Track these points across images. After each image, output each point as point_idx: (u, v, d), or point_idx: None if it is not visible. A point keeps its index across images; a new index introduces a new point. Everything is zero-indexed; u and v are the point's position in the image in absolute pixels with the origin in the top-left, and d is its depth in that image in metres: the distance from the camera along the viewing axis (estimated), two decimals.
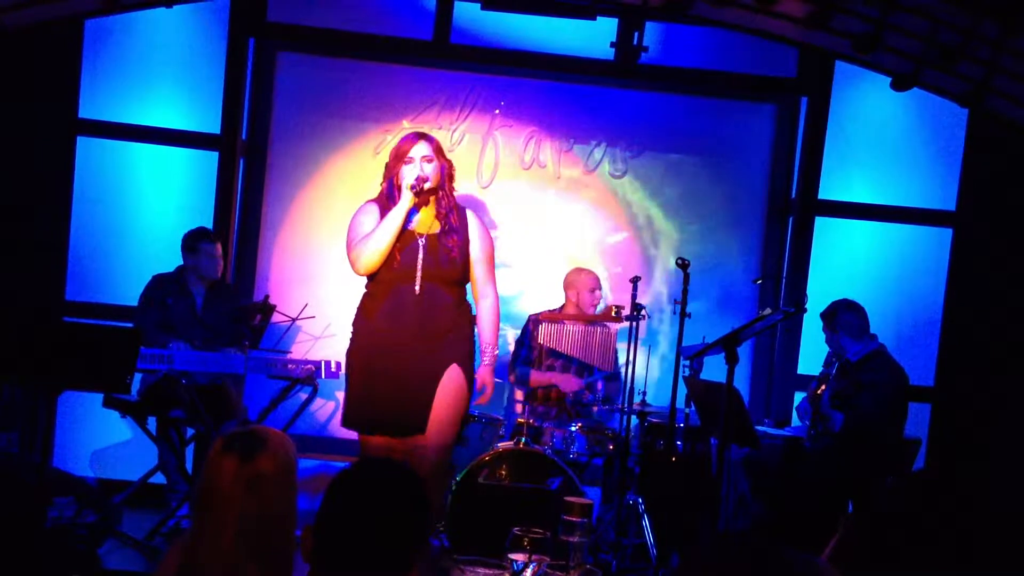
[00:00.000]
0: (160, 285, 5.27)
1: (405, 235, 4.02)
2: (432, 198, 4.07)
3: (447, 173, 4.10)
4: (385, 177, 4.13)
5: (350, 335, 4.16)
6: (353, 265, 4.06)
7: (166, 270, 5.35)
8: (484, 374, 4.16)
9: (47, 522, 4.14)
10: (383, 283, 4.04)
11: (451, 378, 4.02)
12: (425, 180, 3.97)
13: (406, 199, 3.96)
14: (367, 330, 4.06)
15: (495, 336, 4.19)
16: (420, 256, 3.97)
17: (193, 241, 5.29)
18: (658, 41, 5.87)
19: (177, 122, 5.80)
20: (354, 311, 4.03)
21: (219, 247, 5.34)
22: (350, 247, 4.06)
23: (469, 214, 4.15)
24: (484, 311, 4.17)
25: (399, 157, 4.06)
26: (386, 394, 3.98)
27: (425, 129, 5.91)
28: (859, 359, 5.06)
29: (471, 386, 4.10)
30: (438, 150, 4.09)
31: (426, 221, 4.07)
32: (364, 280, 4.20)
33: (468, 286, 4.22)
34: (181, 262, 5.32)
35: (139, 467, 5.41)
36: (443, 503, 4.08)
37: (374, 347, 4.03)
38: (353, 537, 1.99)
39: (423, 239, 4.00)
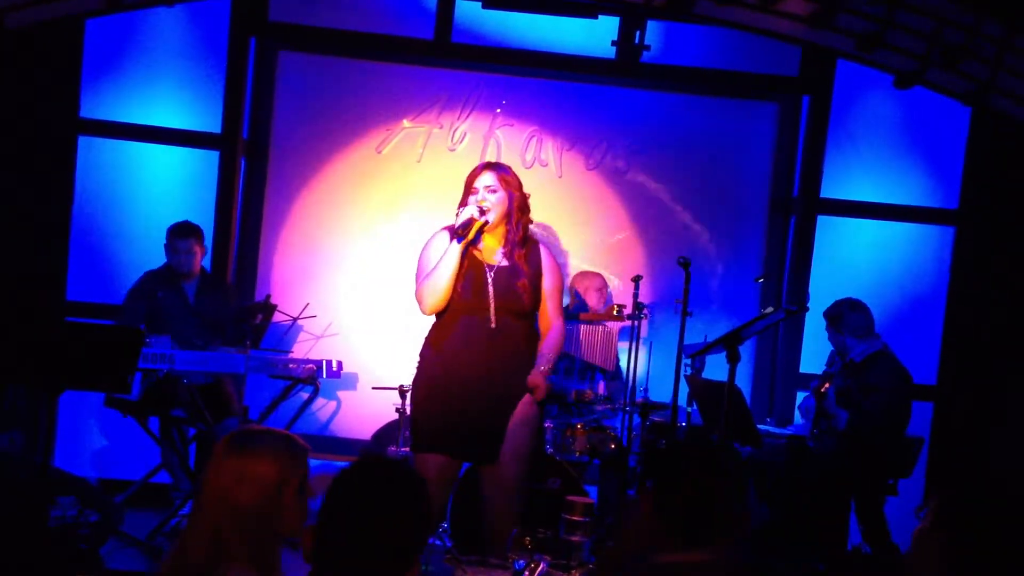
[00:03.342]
0: (150, 280, 5.28)
1: (470, 263, 3.95)
2: (501, 228, 3.98)
3: (516, 204, 3.99)
4: (459, 205, 4.03)
5: (417, 363, 4.07)
6: (418, 305, 3.99)
7: None
8: (536, 376, 4.00)
9: (49, 522, 4.14)
10: (452, 313, 3.97)
11: (526, 408, 3.96)
12: (470, 224, 3.88)
13: (454, 248, 3.89)
14: (436, 360, 3.99)
15: (554, 353, 4.08)
16: (491, 288, 3.91)
17: (167, 236, 5.29)
18: (660, 40, 5.86)
19: (178, 121, 5.80)
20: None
21: (193, 242, 5.27)
22: (416, 284, 4.00)
23: (542, 250, 4.08)
24: (550, 336, 4.09)
25: (467, 187, 4.01)
26: (458, 415, 3.91)
27: (425, 128, 5.93)
28: (863, 359, 5.05)
29: (542, 412, 4.07)
30: (505, 180, 3.98)
31: (494, 248, 4.00)
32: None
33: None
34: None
35: (141, 467, 5.41)
36: (518, 517, 4.01)
37: (444, 377, 3.95)
38: (353, 537, 1.99)
39: (492, 271, 3.94)
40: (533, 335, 4.07)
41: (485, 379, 3.91)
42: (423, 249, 4.05)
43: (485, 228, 3.96)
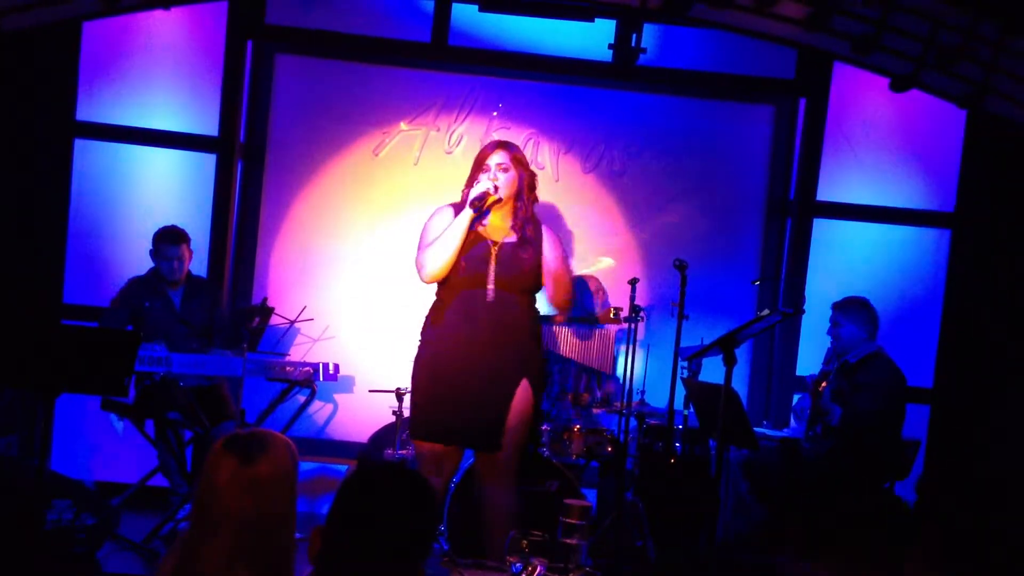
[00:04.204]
0: (135, 289, 5.23)
1: (475, 239, 3.98)
2: (508, 206, 4.02)
3: (526, 183, 4.05)
4: (467, 183, 4.08)
5: (418, 343, 4.08)
6: (419, 272, 4.01)
7: None
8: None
9: (46, 525, 4.14)
10: (452, 288, 4.00)
11: (522, 395, 3.95)
12: (486, 196, 3.93)
13: (466, 214, 3.94)
14: (436, 336, 4.00)
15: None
16: (493, 263, 3.94)
17: (154, 242, 5.23)
18: (656, 43, 5.87)
19: (175, 124, 5.80)
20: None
21: (182, 248, 5.22)
22: (417, 252, 4.03)
23: (544, 228, 4.11)
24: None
25: (478, 165, 4.05)
26: (457, 402, 3.91)
27: (423, 131, 5.94)
28: (858, 360, 5.06)
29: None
30: (516, 160, 4.04)
31: (499, 227, 4.03)
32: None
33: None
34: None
35: (137, 470, 5.41)
36: (514, 510, 4.02)
37: (444, 353, 3.96)
38: (361, 541, 1.99)
39: (496, 246, 3.97)
40: (534, 313, 4.06)
41: (484, 354, 3.91)
42: (426, 223, 4.08)
43: (495, 206, 3.99)
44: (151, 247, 5.25)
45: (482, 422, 3.93)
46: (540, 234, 4.07)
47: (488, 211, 3.99)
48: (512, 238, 4.00)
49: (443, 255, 3.94)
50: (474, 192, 3.95)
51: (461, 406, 3.91)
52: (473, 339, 3.92)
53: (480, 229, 4.01)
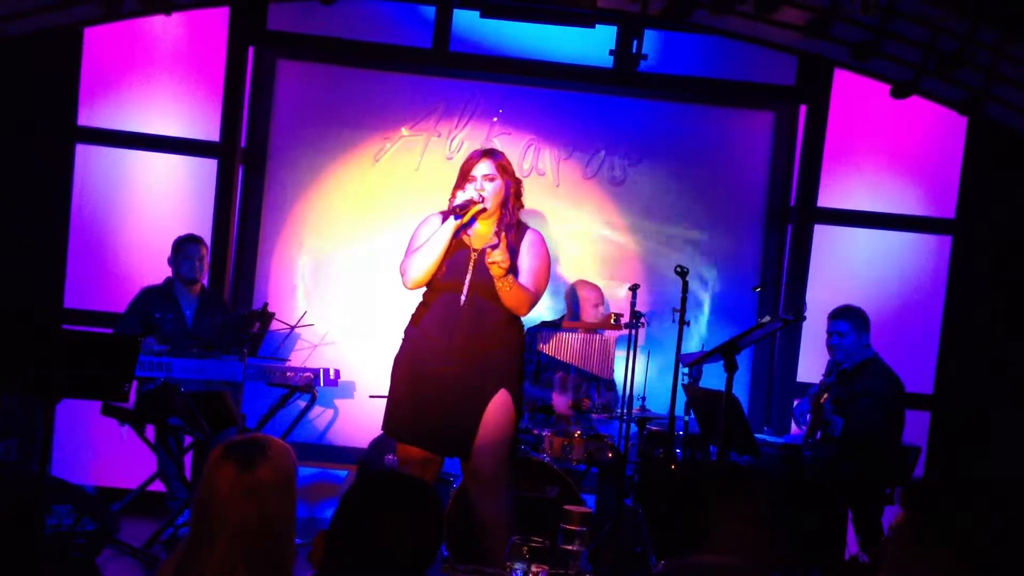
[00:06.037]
0: (148, 299, 5.26)
1: (456, 245, 3.97)
2: (495, 215, 4.01)
3: (512, 191, 4.02)
4: (452, 192, 4.05)
5: (401, 340, 4.09)
6: (402, 277, 4.01)
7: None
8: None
9: (46, 530, 4.13)
10: (433, 292, 4.01)
11: (500, 403, 3.93)
12: (469, 205, 3.91)
13: (449, 223, 3.92)
14: (416, 336, 4.01)
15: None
16: (471, 269, 3.93)
17: (176, 243, 5.32)
18: (657, 49, 5.88)
19: (176, 130, 5.81)
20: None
21: (202, 249, 5.34)
22: (403, 258, 4.03)
23: (529, 233, 4.07)
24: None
25: (463, 174, 4.03)
26: (430, 407, 3.91)
27: (423, 136, 5.95)
28: (854, 367, 5.06)
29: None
30: (501, 168, 4.01)
31: (483, 234, 4.01)
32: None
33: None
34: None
35: (138, 475, 5.40)
36: (509, 517, 3.99)
37: (421, 354, 3.97)
38: (366, 549, 1.99)
39: (476, 253, 3.95)
40: (516, 322, 4.04)
41: (459, 361, 3.90)
42: (416, 228, 4.07)
43: (480, 215, 3.98)
44: (172, 249, 5.32)
45: (451, 429, 3.92)
46: (520, 240, 4.04)
47: (474, 220, 3.98)
48: (493, 244, 3.99)
49: (425, 262, 3.93)
50: (457, 200, 3.94)
51: (432, 411, 3.91)
52: (450, 345, 3.92)
53: (464, 237, 4.01)
